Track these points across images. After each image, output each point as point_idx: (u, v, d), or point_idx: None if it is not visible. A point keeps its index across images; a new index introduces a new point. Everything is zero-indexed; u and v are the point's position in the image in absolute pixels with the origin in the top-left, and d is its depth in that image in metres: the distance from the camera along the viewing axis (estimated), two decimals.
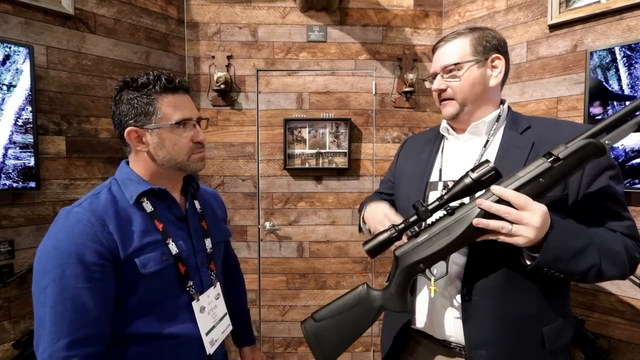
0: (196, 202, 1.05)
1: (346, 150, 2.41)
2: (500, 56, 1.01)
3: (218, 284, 1.05)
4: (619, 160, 1.61)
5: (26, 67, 1.65)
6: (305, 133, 2.43)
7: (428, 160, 1.11)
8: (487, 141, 1.02)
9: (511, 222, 0.78)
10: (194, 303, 0.95)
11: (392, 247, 0.93)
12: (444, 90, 1.03)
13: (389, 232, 0.89)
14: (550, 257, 0.80)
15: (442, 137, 1.14)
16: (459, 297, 0.95)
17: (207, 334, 0.96)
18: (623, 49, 1.62)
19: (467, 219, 0.83)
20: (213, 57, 2.38)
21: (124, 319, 0.87)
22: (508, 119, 1.03)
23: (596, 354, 1.67)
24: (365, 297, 0.93)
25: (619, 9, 1.67)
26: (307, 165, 2.44)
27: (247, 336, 1.30)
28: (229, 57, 2.38)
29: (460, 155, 1.06)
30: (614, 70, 1.65)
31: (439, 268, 0.91)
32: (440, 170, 1.07)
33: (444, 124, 1.12)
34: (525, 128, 0.99)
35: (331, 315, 0.92)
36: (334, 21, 2.40)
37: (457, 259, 0.95)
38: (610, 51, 1.65)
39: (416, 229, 0.89)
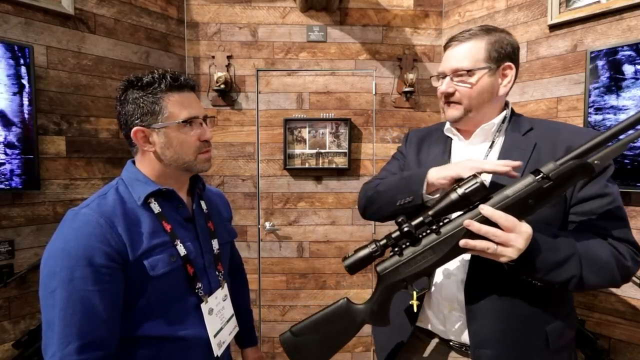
0: (202, 203, 1.04)
1: (346, 150, 2.41)
2: (512, 65, 0.99)
3: (225, 286, 1.04)
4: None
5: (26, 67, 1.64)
6: (305, 133, 2.43)
7: (441, 161, 1.08)
8: (493, 142, 1.02)
9: (497, 243, 0.79)
10: (202, 305, 0.94)
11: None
12: (452, 94, 1.01)
13: (369, 247, 0.87)
14: (527, 269, 0.82)
15: (448, 138, 1.13)
16: (463, 298, 0.95)
17: (215, 335, 0.96)
18: (623, 49, 1.62)
19: (452, 238, 0.82)
20: (213, 57, 2.37)
21: (132, 321, 0.86)
22: (511, 121, 1.03)
23: (596, 354, 1.68)
24: (346, 312, 0.92)
25: (619, 9, 1.67)
26: (307, 165, 2.44)
27: (250, 336, 1.28)
28: (229, 57, 2.38)
29: (467, 157, 1.04)
30: (614, 70, 1.66)
31: (421, 282, 0.90)
32: None
33: (448, 125, 1.11)
34: (527, 130, 0.99)
35: (311, 330, 0.91)
36: (334, 21, 2.40)
37: (460, 259, 0.95)
38: (610, 51, 1.66)
39: (399, 245, 0.88)
